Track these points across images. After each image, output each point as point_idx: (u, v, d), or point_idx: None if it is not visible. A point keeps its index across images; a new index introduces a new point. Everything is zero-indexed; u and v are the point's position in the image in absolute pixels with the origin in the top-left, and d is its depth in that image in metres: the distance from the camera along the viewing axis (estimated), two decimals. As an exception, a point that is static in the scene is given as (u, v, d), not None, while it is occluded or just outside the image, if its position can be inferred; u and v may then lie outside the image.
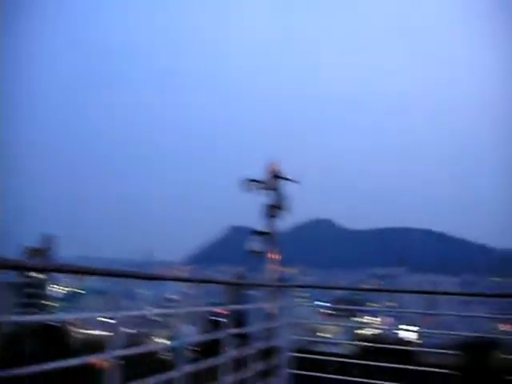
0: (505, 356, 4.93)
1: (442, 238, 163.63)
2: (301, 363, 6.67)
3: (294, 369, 6.66)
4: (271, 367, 6.20)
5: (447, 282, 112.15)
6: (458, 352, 4.55)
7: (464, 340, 4.66)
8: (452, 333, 6.05)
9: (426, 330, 33.72)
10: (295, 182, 9.15)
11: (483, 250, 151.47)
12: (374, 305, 71.73)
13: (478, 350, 4.41)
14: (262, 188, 8.98)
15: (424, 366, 6.64)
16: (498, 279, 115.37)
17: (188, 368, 4.16)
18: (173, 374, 4.07)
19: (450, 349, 5.28)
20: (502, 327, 40.72)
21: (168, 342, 4.91)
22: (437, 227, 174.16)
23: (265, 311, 7.05)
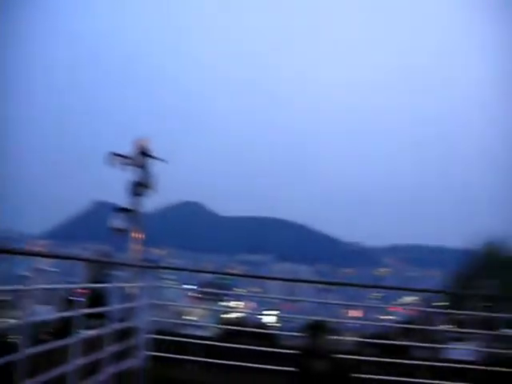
0: (335, 337, 5.51)
1: (303, 231, 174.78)
2: (161, 345, 6.58)
3: (152, 350, 6.54)
4: (128, 348, 6.01)
5: (305, 272, 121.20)
6: (302, 334, 4.94)
7: (306, 323, 5.09)
8: (307, 317, 6.51)
9: (285, 315, 36.08)
10: (163, 161, 8.96)
11: (335, 242, 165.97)
12: (240, 290, 74.30)
13: (312, 332, 4.83)
14: (128, 164, 8.59)
15: (281, 348, 7.06)
16: (347, 270, 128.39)
17: (32, 350, 3.80)
18: (15, 356, 3.68)
19: (301, 332, 5.68)
20: (350, 313, 45.28)
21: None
22: (300, 219, 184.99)
23: (126, 291, 6.80)
